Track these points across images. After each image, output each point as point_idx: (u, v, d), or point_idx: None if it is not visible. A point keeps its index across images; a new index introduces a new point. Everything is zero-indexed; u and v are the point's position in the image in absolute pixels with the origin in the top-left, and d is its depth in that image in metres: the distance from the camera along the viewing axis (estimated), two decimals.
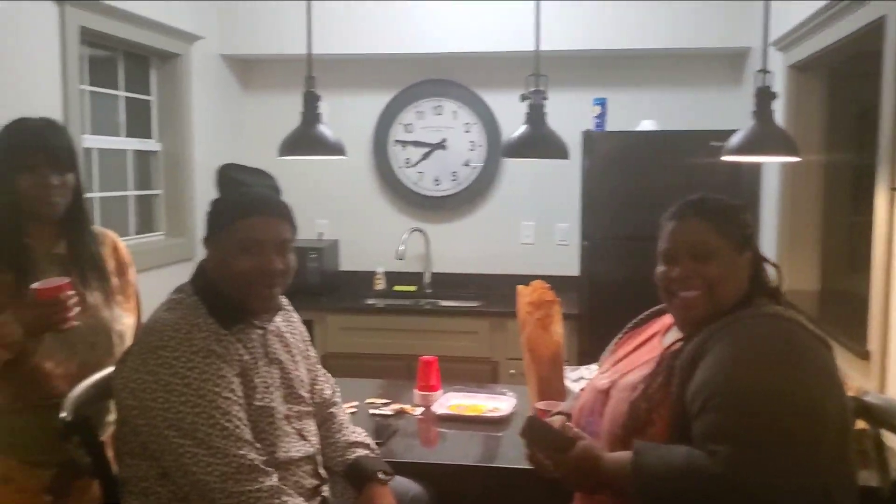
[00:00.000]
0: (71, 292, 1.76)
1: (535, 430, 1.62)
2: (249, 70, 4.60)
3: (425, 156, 4.53)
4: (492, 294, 4.31)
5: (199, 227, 3.99)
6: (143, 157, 3.87)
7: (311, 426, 1.83)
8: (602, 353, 1.93)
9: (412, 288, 4.48)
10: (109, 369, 1.75)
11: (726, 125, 3.31)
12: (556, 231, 4.48)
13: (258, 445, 1.60)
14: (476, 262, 4.53)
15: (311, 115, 2.46)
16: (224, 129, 4.40)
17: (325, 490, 1.81)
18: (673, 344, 1.61)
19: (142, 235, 3.83)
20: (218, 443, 1.53)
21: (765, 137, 2.24)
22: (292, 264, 1.72)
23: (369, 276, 4.48)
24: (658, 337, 1.75)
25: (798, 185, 3.30)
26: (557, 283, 4.14)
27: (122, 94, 3.68)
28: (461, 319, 4.08)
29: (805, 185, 3.29)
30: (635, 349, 1.78)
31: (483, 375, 3.92)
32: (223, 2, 4.26)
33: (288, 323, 1.89)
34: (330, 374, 2.07)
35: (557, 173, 4.27)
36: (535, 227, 4.50)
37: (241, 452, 1.54)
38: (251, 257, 1.65)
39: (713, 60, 4.22)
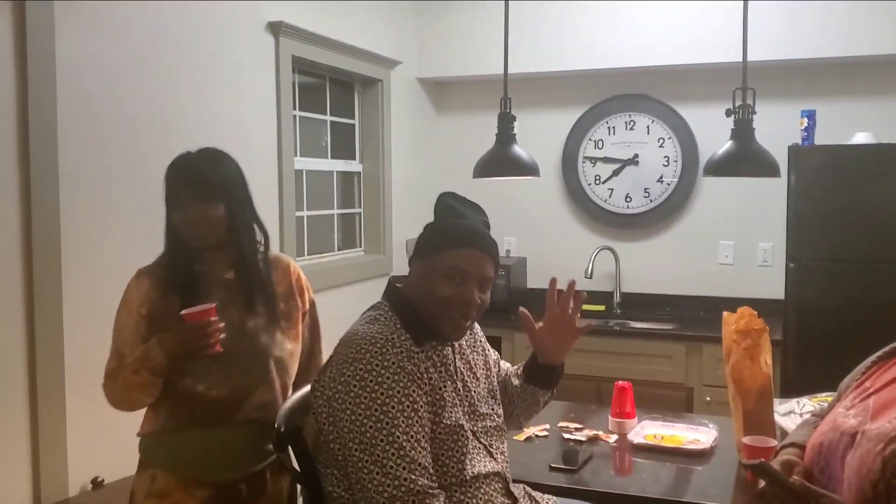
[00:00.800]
0: (215, 318, 1.79)
1: (768, 475, 1.50)
2: (442, 92, 4.73)
3: (616, 172, 4.44)
4: (686, 316, 4.14)
5: (396, 244, 4.19)
6: (346, 177, 4.09)
7: (499, 443, 1.84)
8: (842, 383, 1.75)
9: (601, 307, 4.40)
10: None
11: None
12: (757, 251, 4.23)
13: (431, 470, 1.63)
14: (669, 282, 4.37)
15: (506, 135, 2.48)
16: (419, 150, 4.55)
17: None
18: None
19: (344, 251, 4.03)
20: (392, 462, 1.57)
21: None
22: (487, 301, 1.77)
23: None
24: None
25: None
26: (759, 306, 3.88)
27: (328, 118, 3.90)
28: (653, 342, 3.94)
29: None
30: (888, 384, 1.60)
31: (676, 402, 3.77)
32: (421, 27, 4.42)
33: (471, 335, 1.93)
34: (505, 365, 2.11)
35: (760, 190, 4.03)
36: (734, 246, 4.27)
37: (412, 476, 1.57)
38: (454, 286, 1.71)
39: None
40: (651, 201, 4.39)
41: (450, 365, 1.78)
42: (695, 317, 4.15)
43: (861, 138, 3.65)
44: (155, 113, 2.63)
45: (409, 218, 4.33)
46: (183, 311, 1.78)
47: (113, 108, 2.49)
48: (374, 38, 3.95)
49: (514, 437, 2.38)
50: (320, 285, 3.57)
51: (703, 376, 3.77)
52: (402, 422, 1.60)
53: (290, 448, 1.81)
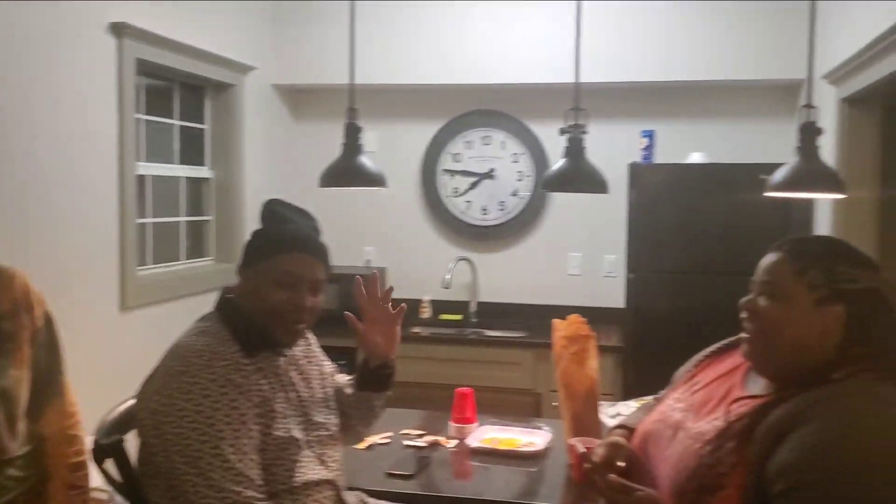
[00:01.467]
0: None
1: (595, 467, 1.59)
2: (300, 99, 4.69)
3: (473, 185, 4.55)
4: (538, 325, 4.28)
5: None
6: (195, 184, 3.98)
7: (332, 452, 1.85)
8: (676, 373, 1.82)
9: (458, 317, 4.48)
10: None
11: (778, 158, 3.23)
12: (603, 263, 4.43)
13: (259, 481, 1.62)
14: (523, 292, 4.51)
15: (352, 146, 2.49)
16: (274, 158, 4.49)
17: None
18: (748, 398, 1.50)
19: (192, 260, 3.92)
20: (217, 475, 1.55)
21: (809, 174, 2.19)
22: (321, 304, 1.78)
23: (415, 305, 4.50)
24: (740, 374, 1.66)
25: (851, 221, 3.19)
26: (604, 315, 4.17)
27: (177, 122, 3.79)
28: (506, 350, 4.05)
29: (859, 221, 3.18)
30: (714, 381, 1.68)
31: (526, 407, 3.88)
32: (276, 32, 4.38)
33: (305, 346, 1.92)
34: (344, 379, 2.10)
35: (606, 205, 4.22)
36: (582, 258, 4.46)
37: (237, 489, 1.56)
38: (285, 291, 1.71)
39: (765, 92, 4.15)
40: (507, 214, 4.52)
41: (282, 375, 1.77)
42: (545, 325, 4.27)
43: (696, 157, 3.91)
44: None
45: None
46: None
47: None
48: (227, 43, 3.87)
49: (356, 446, 2.39)
50: (166, 295, 3.47)
51: (551, 382, 3.87)
52: (229, 434, 1.58)
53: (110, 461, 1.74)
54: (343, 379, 2.09)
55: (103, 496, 2.23)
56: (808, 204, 3.67)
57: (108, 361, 3.01)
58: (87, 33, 2.96)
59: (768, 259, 1.55)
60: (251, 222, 4.17)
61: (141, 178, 3.42)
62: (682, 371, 1.81)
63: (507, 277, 4.54)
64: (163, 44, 3.36)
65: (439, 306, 4.49)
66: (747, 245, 3.35)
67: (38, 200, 2.74)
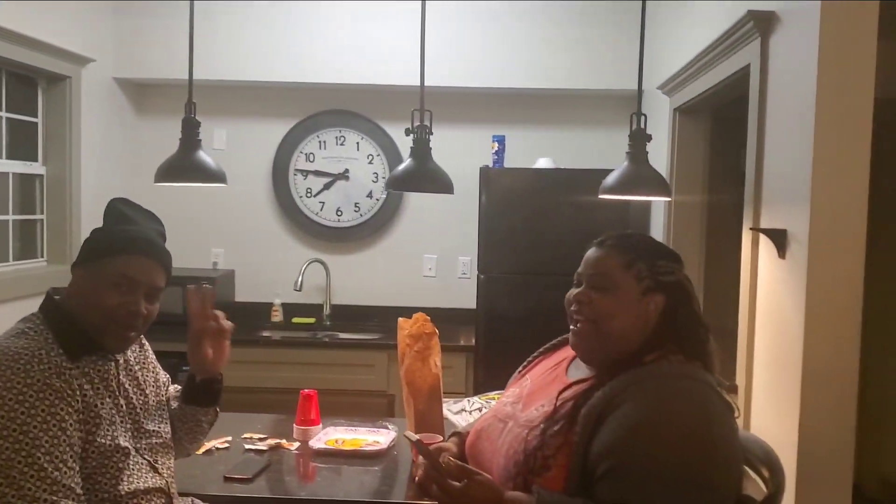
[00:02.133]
0: None
1: (424, 450, 1.62)
2: (144, 94, 4.49)
3: (327, 186, 4.50)
4: (393, 327, 4.25)
5: None
6: (26, 180, 3.72)
7: (165, 459, 1.77)
8: (511, 377, 1.92)
9: (311, 320, 4.41)
10: None
11: (619, 164, 3.40)
12: (458, 264, 4.50)
13: (78, 490, 1.53)
14: (378, 294, 4.50)
15: (189, 140, 2.39)
16: (117, 154, 4.27)
17: None
18: (571, 385, 1.59)
19: (21, 261, 3.66)
20: (31, 485, 1.45)
21: (637, 177, 2.30)
22: (155, 313, 1.71)
23: (266, 308, 4.40)
24: (564, 365, 1.74)
25: (681, 223, 3.40)
26: (457, 315, 4.24)
27: (3, 114, 3.53)
28: (359, 352, 4.03)
29: (688, 223, 3.39)
30: (541, 375, 1.77)
31: (380, 409, 3.88)
32: (118, 24, 4.17)
33: (139, 350, 1.84)
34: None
35: (460, 207, 4.30)
36: (437, 260, 4.51)
37: (54, 499, 1.47)
38: (120, 295, 1.63)
39: (606, 102, 4.35)
40: (361, 216, 4.50)
41: (111, 380, 1.68)
42: None
43: (543, 163, 4.04)
44: None
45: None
46: None
47: None
48: (61, 33, 3.65)
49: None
50: None
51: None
52: (46, 442, 1.48)
53: None
54: (173, 390, 2.00)
55: None
56: (646, 206, 3.87)
57: None
58: None
59: (595, 253, 1.65)
60: (87, 222, 3.95)
61: None
62: (515, 374, 1.90)
63: (361, 280, 4.52)
64: None
65: (291, 309, 4.41)
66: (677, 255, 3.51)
67: None
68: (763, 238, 2.26)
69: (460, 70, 4.06)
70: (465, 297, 4.34)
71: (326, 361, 3.98)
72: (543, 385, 1.72)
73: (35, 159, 3.75)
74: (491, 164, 4.05)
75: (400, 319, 2.34)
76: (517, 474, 1.53)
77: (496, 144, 4.07)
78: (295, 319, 4.41)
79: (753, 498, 1.58)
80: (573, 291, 1.65)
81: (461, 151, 4.26)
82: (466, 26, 4.12)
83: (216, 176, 2.44)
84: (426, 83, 2.73)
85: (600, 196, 2.36)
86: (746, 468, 1.67)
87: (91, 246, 1.69)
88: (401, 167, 2.39)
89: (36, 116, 3.74)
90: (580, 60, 4.12)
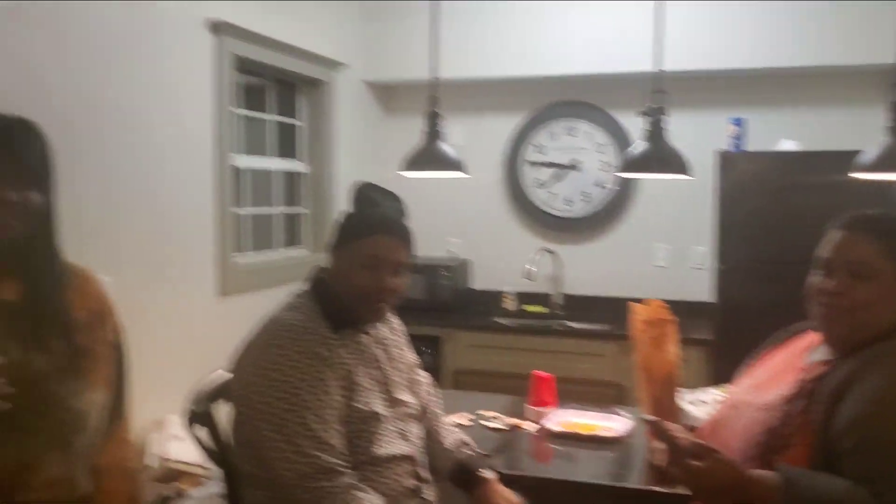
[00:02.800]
0: None
1: (662, 431, 1.58)
2: (391, 95, 4.80)
3: (557, 177, 4.55)
4: (622, 317, 4.24)
5: None
6: (290, 177, 4.14)
7: (413, 428, 1.90)
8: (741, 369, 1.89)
9: (542, 308, 4.49)
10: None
11: (866, 144, 3.13)
12: (691, 254, 4.36)
13: (341, 449, 1.69)
14: (607, 284, 4.48)
15: (432, 133, 2.55)
16: (366, 152, 4.61)
17: (427, 492, 1.87)
18: (817, 365, 1.56)
19: (287, 249, 4.08)
20: (301, 441, 1.63)
21: None
22: (404, 285, 1.84)
23: (499, 296, 4.54)
24: (802, 353, 1.68)
25: None
26: (691, 308, 4.12)
27: (271, 117, 3.96)
28: (589, 342, 4.05)
29: None
30: (776, 362, 1.73)
31: (609, 399, 3.85)
32: (366, 30, 4.50)
33: (390, 330, 1.99)
34: (426, 378, 2.11)
35: (694, 195, 4.16)
36: (669, 249, 4.40)
37: (320, 455, 1.64)
38: (370, 273, 1.77)
39: (857, 78, 3.99)
40: (591, 205, 4.50)
41: (366, 351, 1.84)
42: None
43: (787, 146, 3.81)
44: (86, 109, 2.65)
45: None
46: None
47: (42, 106, 2.47)
48: (319, 40, 4.01)
49: None
50: (262, 283, 3.62)
51: (634, 374, 3.87)
52: (313, 404, 1.66)
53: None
54: (424, 376, 2.10)
55: (200, 472, 2.36)
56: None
57: (207, 344, 3.16)
58: (188, 31, 3.14)
59: (846, 238, 1.56)
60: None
61: (238, 171, 3.58)
62: (745, 367, 1.84)
63: (591, 269, 4.52)
64: (259, 41, 3.52)
65: (523, 298, 4.52)
66: None
67: (139, 190, 2.91)
68: None
69: (695, 52, 3.91)
70: (698, 288, 4.20)
71: (557, 349, 4.03)
72: (780, 371, 1.67)
73: (297, 158, 4.16)
74: (729, 148, 3.88)
75: (634, 305, 2.33)
76: (757, 455, 1.51)
77: (734, 128, 3.90)
78: (527, 307, 4.51)
79: None
80: (822, 280, 1.57)
81: (695, 136, 4.11)
82: (699, 7, 3.96)
83: (455, 165, 2.58)
84: (665, 67, 2.70)
85: (853, 175, 2.20)
86: None
87: (341, 230, 1.85)
88: (634, 150, 2.38)
89: (297, 119, 4.15)
90: (824, 34, 3.81)
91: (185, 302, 3.13)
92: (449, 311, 4.36)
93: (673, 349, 2.24)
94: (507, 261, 4.57)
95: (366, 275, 1.77)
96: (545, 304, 4.50)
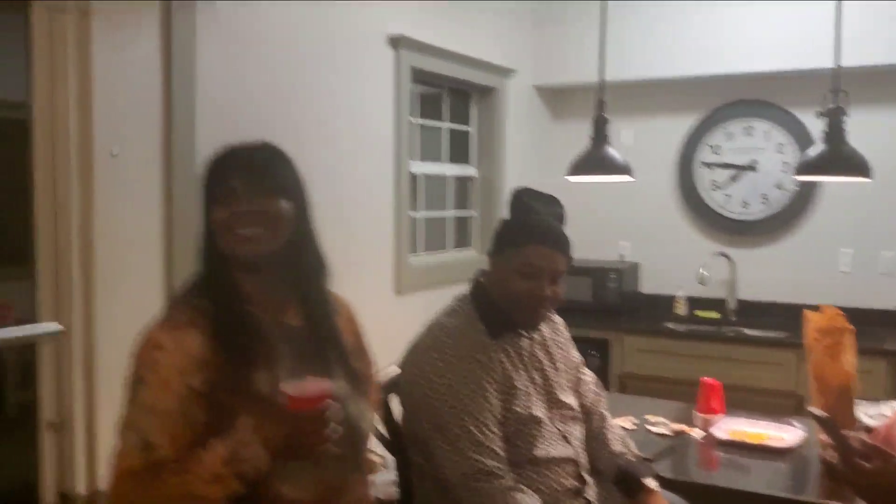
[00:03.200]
0: (330, 401, 1.31)
1: (830, 428, 1.55)
2: (558, 99, 4.85)
3: (733, 178, 4.42)
4: (800, 325, 4.05)
5: None
6: (462, 181, 4.31)
7: (575, 430, 1.94)
8: None
9: (714, 314, 4.38)
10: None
11: None
12: (879, 259, 4.09)
13: (500, 452, 1.74)
14: (786, 290, 4.29)
15: (599, 137, 2.60)
16: (534, 156, 4.70)
17: (590, 493, 1.92)
18: None
19: (458, 249, 4.26)
20: (462, 444, 1.71)
21: None
22: (561, 293, 1.86)
23: (669, 300, 4.47)
24: None
25: None
26: (878, 316, 3.86)
27: (446, 125, 4.14)
28: (766, 350, 3.90)
29: None
30: None
31: (787, 409, 3.69)
32: (536, 35, 4.58)
33: (553, 330, 2.03)
34: (592, 378, 2.13)
35: (883, 196, 3.91)
36: (853, 254, 4.15)
37: (479, 458, 1.70)
38: (526, 281, 1.81)
39: None
40: (769, 207, 4.33)
41: (524, 355, 1.89)
42: None
43: None
44: (285, 118, 2.91)
45: None
46: (288, 391, 1.29)
47: (248, 114, 2.76)
48: (490, 48, 4.15)
49: None
50: (434, 282, 3.79)
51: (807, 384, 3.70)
52: (473, 408, 1.73)
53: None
54: (590, 375, 2.14)
55: (378, 459, 2.53)
56: None
57: (384, 340, 3.37)
58: (369, 45, 3.36)
59: None
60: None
61: (413, 176, 3.79)
62: None
63: (768, 274, 4.35)
64: (434, 52, 3.70)
65: (695, 302, 4.42)
66: None
67: (327, 196, 3.12)
68: None
69: (879, 46, 3.67)
70: (887, 295, 3.93)
71: (730, 357, 3.92)
72: None
73: (468, 162, 4.32)
74: None
75: (807, 312, 2.27)
76: None
77: None
78: (698, 312, 4.41)
79: None
80: None
81: (883, 135, 3.87)
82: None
83: (622, 169, 2.61)
84: (845, 63, 2.56)
85: None
86: None
87: (499, 237, 1.89)
88: (811, 152, 2.31)
89: (469, 125, 4.31)
90: None
91: (365, 299, 3.33)
92: (618, 314, 4.35)
93: (849, 359, 2.16)
94: (679, 264, 4.49)
95: (522, 283, 1.80)
96: (718, 310, 4.38)
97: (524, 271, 1.81)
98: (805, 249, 4.27)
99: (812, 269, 4.24)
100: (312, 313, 1.50)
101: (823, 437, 1.56)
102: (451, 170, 4.20)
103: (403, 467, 1.97)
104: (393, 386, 2.04)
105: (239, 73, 2.73)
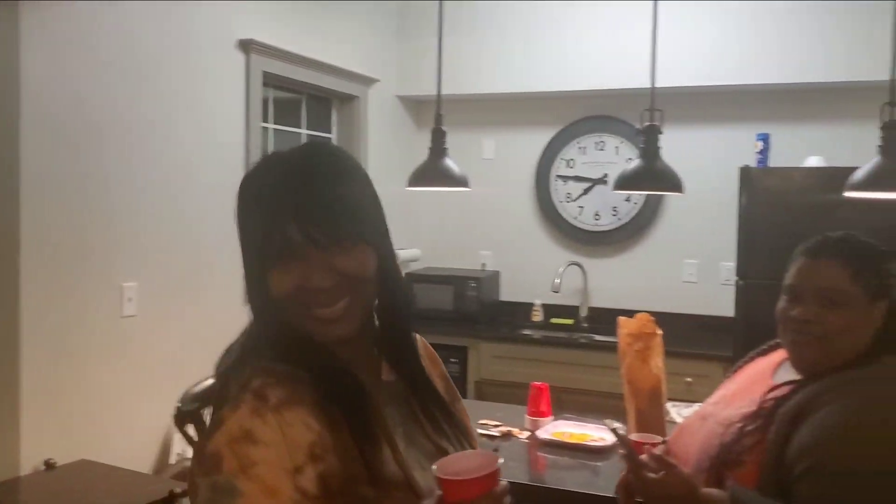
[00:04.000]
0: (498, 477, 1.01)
1: (624, 445, 1.64)
2: (423, 109, 4.91)
3: (586, 191, 4.59)
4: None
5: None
6: None
7: None
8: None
9: (569, 321, 4.53)
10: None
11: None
12: (720, 270, 4.34)
13: None
14: (635, 298, 4.48)
15: (437, 149, 2.65)
16: (398, 165, 4.72)
17: None
18: (779, 387, 1.58)
19: None
20: None
21: (890, 173, 2.12)
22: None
23: (528, 308, 4.60)
24: (772, 370, 1.71)
25: None
26: (717, 323, 4.09)
27: (304, 131, 4.12)
28: (614, 355, 4.04)
29: None
30: (748, 376, 1.75)
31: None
32: (399, 46, 4.63)
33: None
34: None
35: (721, 211, 4.15)
36: (697, 265, 4.39)
37: None
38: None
39: (884, 94, 3.91)
40: (619, 219, 4.53)
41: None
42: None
43: (813, 161, 3.77)
44: (118, 122, 2.84)
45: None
46: (444, 475, 0.98)
47: (79, 118, 2.69)
48: (351, 57, 4.16)
49: None
50: None
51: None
52: None
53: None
54: None
55: None
56: None
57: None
58: (218, 48, 3.31)
59: (814, 265, 1.56)
60: None
61: None
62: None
63: (619, 283, 4.54)
64: (289, 58, 3.68)
65: (550, 310, 4.56)
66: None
67: (167, 202, 3.09)
68: None
69: (722, 68, 3.93)
70: (727, 304, 4.17)
71: (582, 362, 4.07)
72: (747, 385, 1.69)
73: None
74: (754, 164, 3.87)
75: (620, 318, 2.38)
76: (710, 467, 1.53)
77: (760, 143, 3.88)
78: (554, 320, 4.56)
79: None
80: (791, 307, 1.57)
81: (722, 152, 4.12)
82: (730, 22, 3.96)
83: (459, 181, 2.67)
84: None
85: (845, 194, 2.20)
86: None
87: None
88: (629, 167, 2.43)
89: (330, 132, 4.30)
90: (857, 49, 3.77)
91: (213, 311, 3.28)
92: (477, 321, 4.44)
93: (658, 363, 2.28)
94: (536, 273, 4.62)
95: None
96: (572, 317, 4.54)
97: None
98: (652, 260, 4.48)
99: (659, 279, 4.45)
100: (405, 365, 1.17)
101: (622, 451, 1.64)
102: None
103: None
104: (207, 394, 2.02)
105: (69, 76, 2.65)
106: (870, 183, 2.13)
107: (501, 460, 1.01)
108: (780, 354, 1.72)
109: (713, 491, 1.49)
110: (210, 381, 2.00)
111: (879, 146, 2.15)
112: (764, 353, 1.84)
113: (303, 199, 1.02)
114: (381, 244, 1.10)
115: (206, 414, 2.01)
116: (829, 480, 1.34)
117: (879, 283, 1.50)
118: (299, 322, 1.04)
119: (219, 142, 3.33)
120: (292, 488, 0.94)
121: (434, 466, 0.99)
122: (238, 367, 1.07)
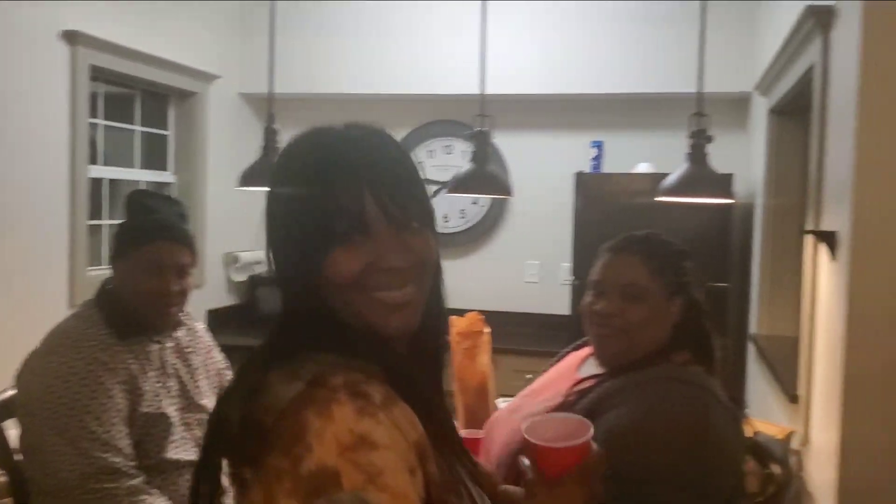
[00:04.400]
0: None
1: None
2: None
3: (434, 194, 4.65)
4: (494, 331, 4.34)
5: (216, 258, 4.24)
6: (159, 188, 4.13)
7: None
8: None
9: None
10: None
11: (730, 169, 3.32)
12: (560, 271, 4.51)
13: (126, 451, 1.73)
14: (482, 299, 4.55)
15: (269, 147, 2.62)
16: (242, 164, 4.60)
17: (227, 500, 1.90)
18: (583, 380, 1.63)
19: None
20: (84, 444, 1.66)
21: (697, 179, 2.27)
22: (189, 287, 1.90)
23: None
24: (578, 365, 1.77)
25: (778, 228, 3.26)
26: (556, 321, 4.25)
27: (138, 128, 3.95)
28: None
29: (785, 228, 3.25)
30: (553, 373, 1.82)
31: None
32: (243, 43, 4.52)
33: (191, 337, 2.03)
34: None
35: (559, 214, 4.32)
36: (539, 266, 4.54)
37: (104, 455, 1.67)
38: (152, 279, 1.83)
39: (715, 105, 4.20)
40: (467, 222, 4.62)
41: (154, 360, 1.88)
42: (502, 332, 4.36)
43: (643, 168, 3.99)
44: None
45: (230, 231, 4.41)
46: (539, 442, 1.03)
47: None
48: (190, 52, 4.02)
49: None
50: None
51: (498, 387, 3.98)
52: (94, 407, 1.70)
53: None
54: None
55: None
56: (749, 211, 3.73)
57: None
58: (40, 41, 3.12)
59: (617, 261, 1.64)
60: (218, 228, 4.31)
61: (98, 182, 3.56)
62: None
63: (465, 284, 4.61)
64: (120, 52, 3.51)
65: None
66: (691, 253, 3.43)
67: None
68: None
69: (558, 77, 4.09)
70: (566, 303, 4.34)
71: None
72: (555, 379, 1.75)
73: (166, 169, 4.15)
74: (589, 170, 4.05)
75: (452, 318, 2.42)
76: (510, 462, 1.57)
77: (595, 150, 4.07)
78: None
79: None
80: (595, 302, 1.64)
81: (560, 158, 4.29)
82: (562, 30, 4.14)
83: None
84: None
85: (656, 199, 2.35)
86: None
87: (119, 240, 1.89)
88: (460, 172, 2.49)
89: (167, 130, 4.14)
90: (684, 62, 4.02)
91: (35, 313, 3.08)
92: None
93: (484, 360, 2.34)
94: None
95: (149, 281, 1.82)
96: None
97: (150, 269, 1.83)
98: (497, 261, 4.60)
99: (503, 280, 4.58)
100: (432, 374, 1.07)
101: None
102: (144, 175, 4.00)
103: (21, 490, 1.84)
104: (7, 406, 1.90)
105: None
106: (677, 188, 2.27)
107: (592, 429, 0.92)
108: (589, 349, 1.80)
109: (511, 488, 1.54)
110: (10, 393, 1.89)
111: (687, 153, 2.29)
112: (577, 347, 1.91)
113: (379, 174, 0.94)
114: (436, 234, 1.03)
115: (9, 426, 1.90)
116: (616, 482, 1.35)
117: (676, 280, 1.58)
118: (359, 309, 0.92)
119: (41, 137, 3.14)
120: (416, 494, 0.83)
121: (523, 429, 0.91)
122: (284, 362, 0.89)
